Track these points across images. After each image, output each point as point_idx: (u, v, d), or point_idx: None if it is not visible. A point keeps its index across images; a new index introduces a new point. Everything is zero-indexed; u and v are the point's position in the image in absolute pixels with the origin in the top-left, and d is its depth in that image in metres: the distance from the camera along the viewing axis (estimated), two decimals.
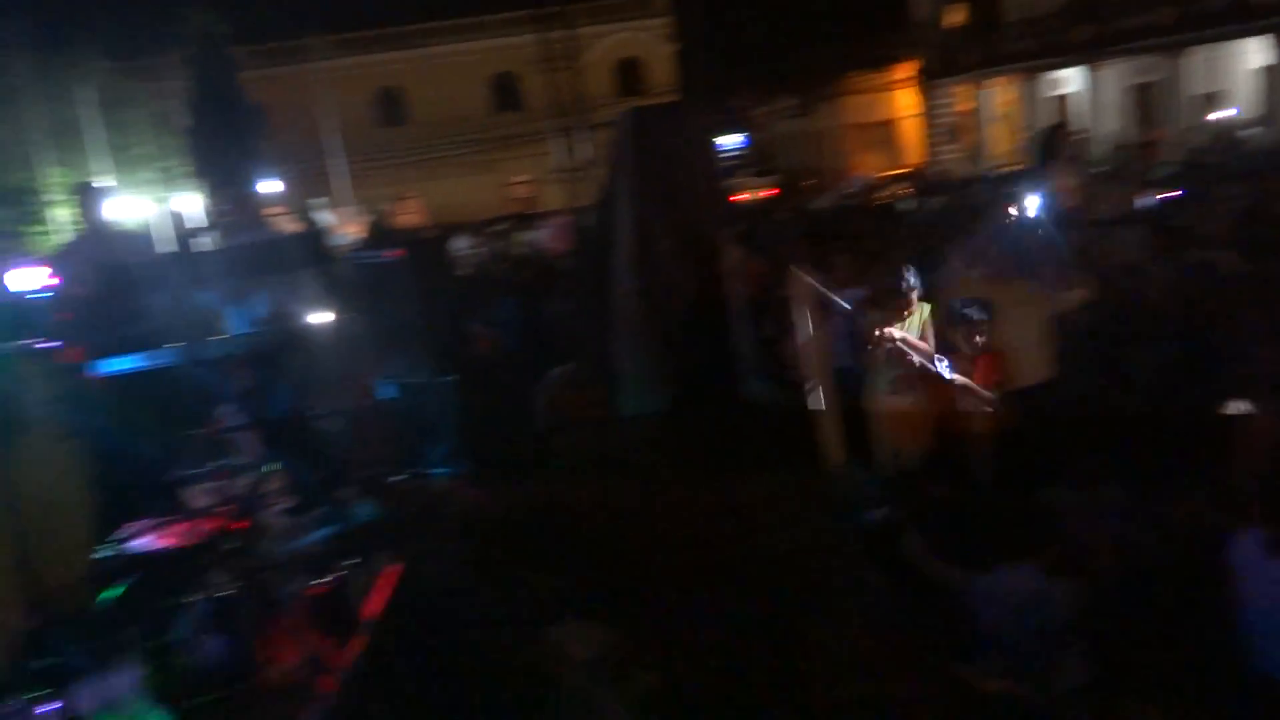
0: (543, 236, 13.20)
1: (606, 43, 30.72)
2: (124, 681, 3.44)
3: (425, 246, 6.28)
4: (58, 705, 3.09)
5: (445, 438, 5.53)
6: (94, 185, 6.51)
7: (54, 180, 19.92)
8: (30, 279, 3.94)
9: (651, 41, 31.60)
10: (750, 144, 23.10)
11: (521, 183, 30.96)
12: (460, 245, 9.90)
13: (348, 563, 3.98)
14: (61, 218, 19.83)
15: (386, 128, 32.30)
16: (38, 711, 2.92)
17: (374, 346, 5.50)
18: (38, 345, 3.28)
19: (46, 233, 18.99)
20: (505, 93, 32.73)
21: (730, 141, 19.79)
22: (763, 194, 17.67)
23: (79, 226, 6.07)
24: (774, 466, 4.36)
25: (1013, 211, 5.52)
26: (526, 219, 16.99)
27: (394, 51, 32.21)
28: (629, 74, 31.73)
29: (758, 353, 5.51)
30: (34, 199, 20.05)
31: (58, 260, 6.33)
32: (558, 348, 6.75)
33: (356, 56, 31.40)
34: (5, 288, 3.70)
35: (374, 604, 2.88)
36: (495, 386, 6.22)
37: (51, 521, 2.71)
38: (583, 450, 5.42)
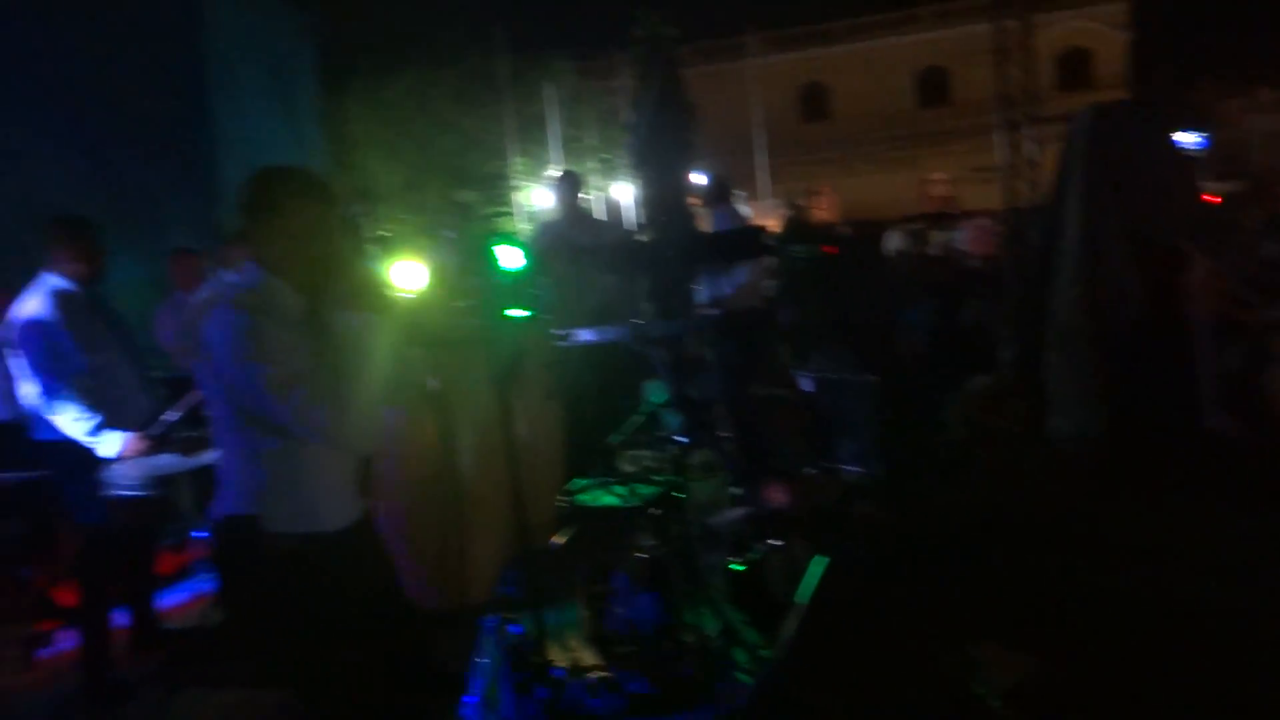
0: (962, 238, 12.68)
1: (1052, 33, 28.76)
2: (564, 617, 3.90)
3: (855, 243, 6.30)
4: (518, 629, 3.55)
5: (859, 436, 5.56)
6: (568, 173, 7.30)
7: (518, 168, 22.66)
8: (512, 256, 4.49)
9: (1100, 30, 29.08)
10: (1211, 143, 20.43)
11: (939, 180, 30.05)
12: (892, 244, 9.81)
13: (765, 545, 4.14)
14: (523, 201, 22.58)
15: (809, 123, 32.86)
16: (510, 630, 3.39)
17: (800, 339, 5.66)
18: (525, 314, 3.77)
19: (511, 215, 21.70)
20: (932, 87, 31.87)
21: (1189, 140, 17.61)
22: (1228, 199, 15.54)
23: (557, 210, 6.83)
24: (1240, 508, 3.87)
25: None
26: (944, 218, 16.40)
27: (821, 48, 32.64)
28: (1074, 65, 29.44)
29: (1223, 381, 4.90)
30: (503, 185, 22.99)
31: (534, 240, 7.23)
32: (974, 355, 6.50)
33: (784, 53, 32.24)
34: (499, 263, 4.27)
35: (798, 591, 2.98)
36: (909, 390, 6.12)
37: (534, 468, 3.11)
38: (1002, 466, 5.17)
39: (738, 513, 5.30)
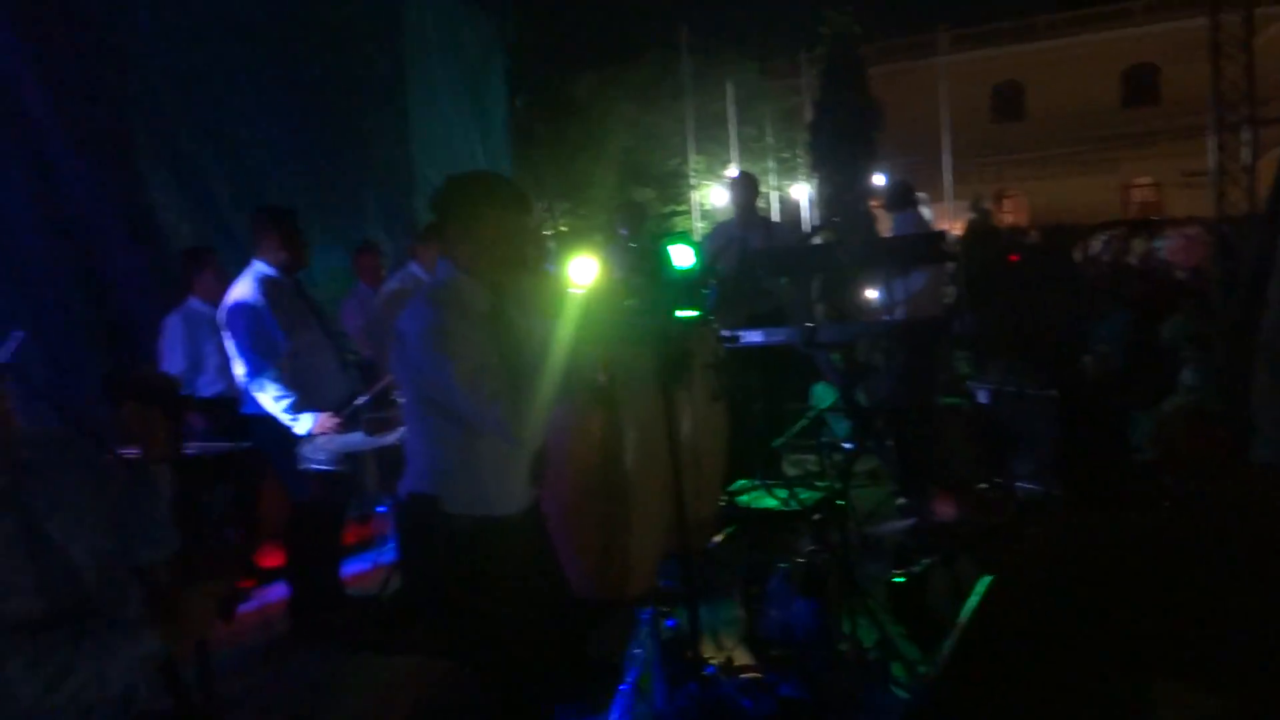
0: (1167, 247, 11.86)
1: (1274, 30, 26.43)
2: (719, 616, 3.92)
3: (1044, 250, 6.02)
4: (673, 623, 3.60)
5: (1037, 453, 5.31)
6: (746, 174, 7.30)
7: (696, 167, 22.78)
8: (683, 256, 4.52)
9: None
10: None
11: (1144, 185, 28.18)
12: (1088, 251, 9.31)
13: (929, 559, 4.03)
14: (700, 200, 22.71)
15: (999, 123, 31.53)
16: (666, 623, 3.46)
17: (978, 349, 5.46)
18: (695, 315, 3.81)
19: (687, 213, 21.86)
20: (1139, 86, 29.92)
21: None
22: None
23: (731, 210, 6.85)
24: None
25: None
26: (1147, 226, 15.40)
27: (1015, 45, 31.22)
28: None
29: None
30: (680, 183, 23.17)
31: (708, 239, 7.27)
32: (1173, 375, 6.07)
33: (977, 50, 31.03)
34: (672, 262, 4.31)
35: (960, 608, 2.88)
36: (1095, 407, 5.78)
37: (697, 467, 3.15)
38: (1201, 495, 4.81)
39: (902, 524, 5.18)
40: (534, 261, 2.66)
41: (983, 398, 5.64)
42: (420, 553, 2.57)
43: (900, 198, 6.62)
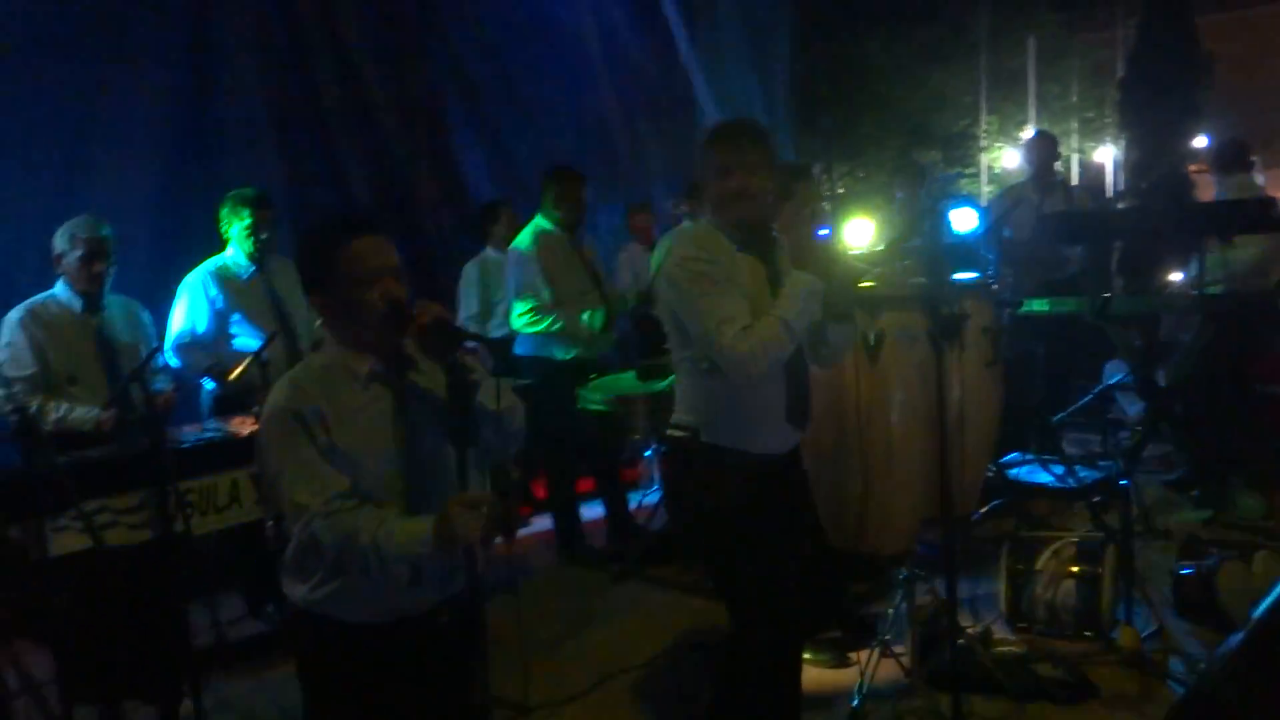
0: None
1: None
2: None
3: None
4: (929, 587, 3.55)
5: None
6: (1045, 133, 6.85)
7: (987, 127, 21.47)
8: (966, 219, 4.38)
9: None
10: None
11: None
12: None
13: (1223, 553, 3.71)
14: (991, 163, 21.43)
15: None
16: (923, 587, 3.43)
17: None
18: (980, 278, 3.70)
19: (976, 176, 20.72)
20: None
21: None
22: None
23: (1025, 172, 6.48)
24: None
25: None
26: None
27: None
28: None
29: None
30: (970, 145, 21.97)
31: (995, 201, 6.93)
32: None
33: None
34: (950, 227, 4.20)
35: (1254, 608, 2.65)
36: None
37: (965, 433, 3.09)
38: None
39: (1195, 514, 4.77)
40: (799, 225, 2.68)
41: None
42: (681, 485, 2.70)
43: (1232, 158, 5.90)
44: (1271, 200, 4.61)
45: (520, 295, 4.72)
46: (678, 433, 2.64)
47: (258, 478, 3.35)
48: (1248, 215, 4.85)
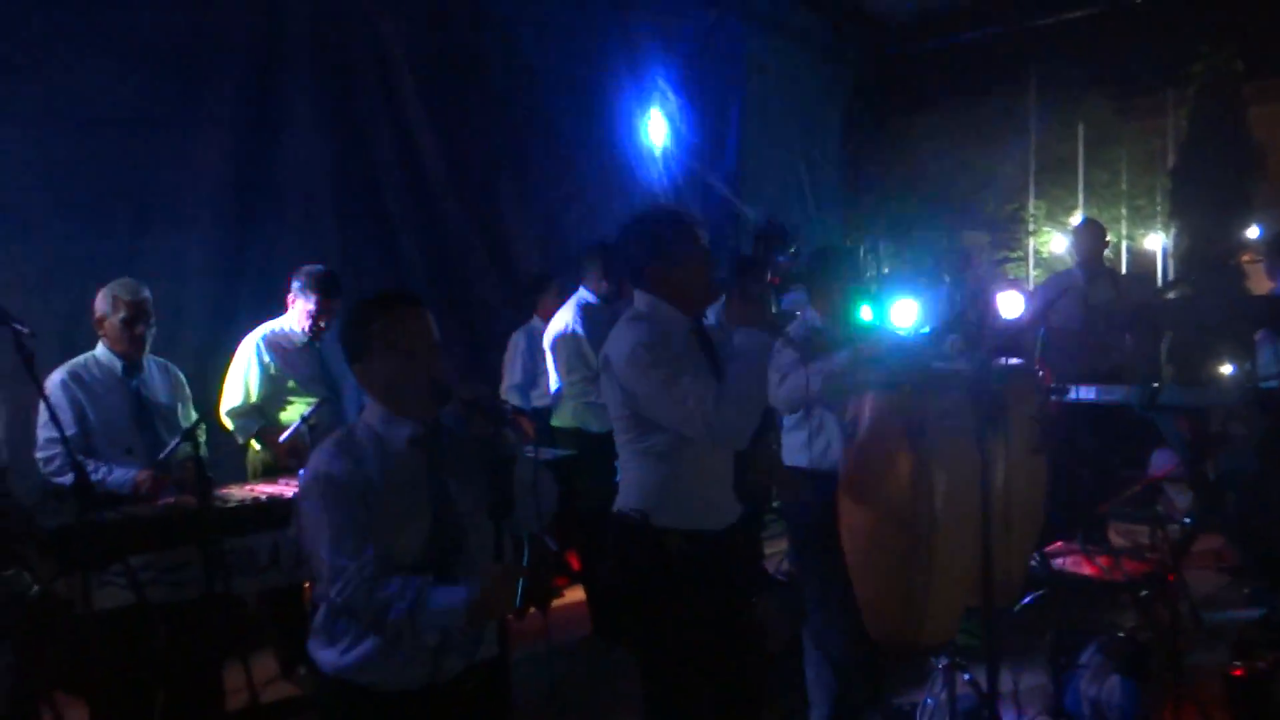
0: None
1: None
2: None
3: None
4: (970, 678, 3.48)
5: None
6: (1094, 221, 6.86)
7: (1035, 211, 21.45)
8: (1012, 304, 4.39)
9: None
10: None
11: None
12: None
13: (1277, 654, 3.59)
14: (1034, 246, 21.36)
15: None
16: (963, 677, 3.35)
17: None
18: (1024, 364, 3.68)
19: (1023, 259, 20.62)
20: None
21: None
22: None
23: (1073, 258, 6.46)
24: None
25: None
26: None
27: None
28: None
29: None
30: (1018, 228, 21.91)
31: (1042, 288, 6.91)
32: None
33: None
34: (998, 311, 4.20)
35: None
36: None
37: (1009, 521, 3.04)
38: None
39: (1248, 613, 4.62)
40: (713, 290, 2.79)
41: None
42: (628, 570, 2.69)
43: None
44: None
45: (569, 366, 4.79)
46: (623, 515, 2.65)
47: (296, 539, 3.39)
48: None
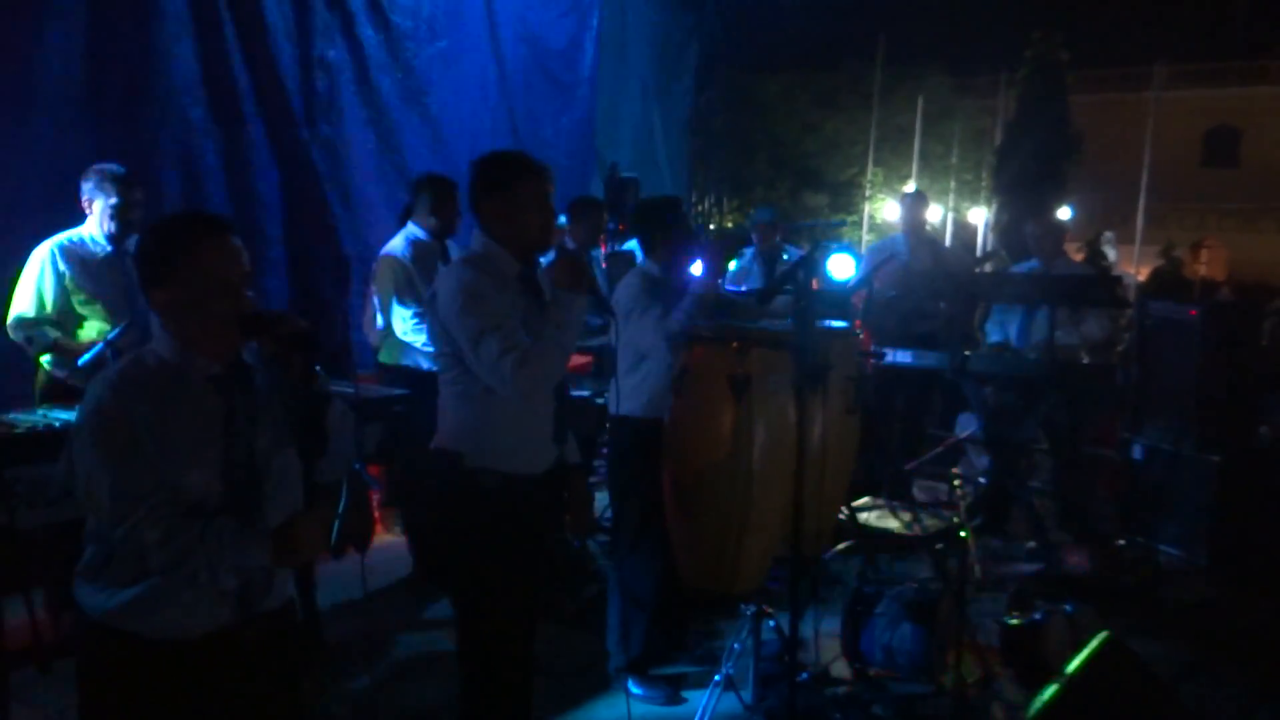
0: None
1: None
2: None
3: (1232, 309, 5.66)
4: (774, 624, 3.63)
5: (1186, 518, 5.05)
6: (919, 193, 7.16)
7: (871, 179, 22.33)
8: (843, 267, 4.54)
9: None
10: None
11: None
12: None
13: (1049, 606, 3.93)
14: (869, 213, 22.27)
15: (1208, 169, 29.51)
16: (767, 624, 3.51)
17: (1140, 404, 5.23)
18: (847, 327, 3.83)
19: (858, 224, 21.46)
20: None
21: None
22: None
23: (900, 227, 6.74)
24: None
25: None
26: None
27: (1238, 88, 29.11)
28: None
29: None
30: (855, 193, 22.75)
31: (870, 254, 7.19)
32: None
33: (1193, 89, 29.07)
34: (828, 274, 4.34)
35: (1070, 658, 2.82)
36: (1262, 479, 5.43)
37: (821, 476, 3.18)
38: None
39: (1028, 567, 5.03)
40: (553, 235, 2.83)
41: (1136, 454, 5.39)
42: (442, 509, 2.70)
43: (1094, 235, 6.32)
44: (1115, 279, 4.94)
45: (403, 301, 4.60)
46: (438, 453, 2.66)
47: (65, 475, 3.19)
48: (1091, 290, 5.22)
